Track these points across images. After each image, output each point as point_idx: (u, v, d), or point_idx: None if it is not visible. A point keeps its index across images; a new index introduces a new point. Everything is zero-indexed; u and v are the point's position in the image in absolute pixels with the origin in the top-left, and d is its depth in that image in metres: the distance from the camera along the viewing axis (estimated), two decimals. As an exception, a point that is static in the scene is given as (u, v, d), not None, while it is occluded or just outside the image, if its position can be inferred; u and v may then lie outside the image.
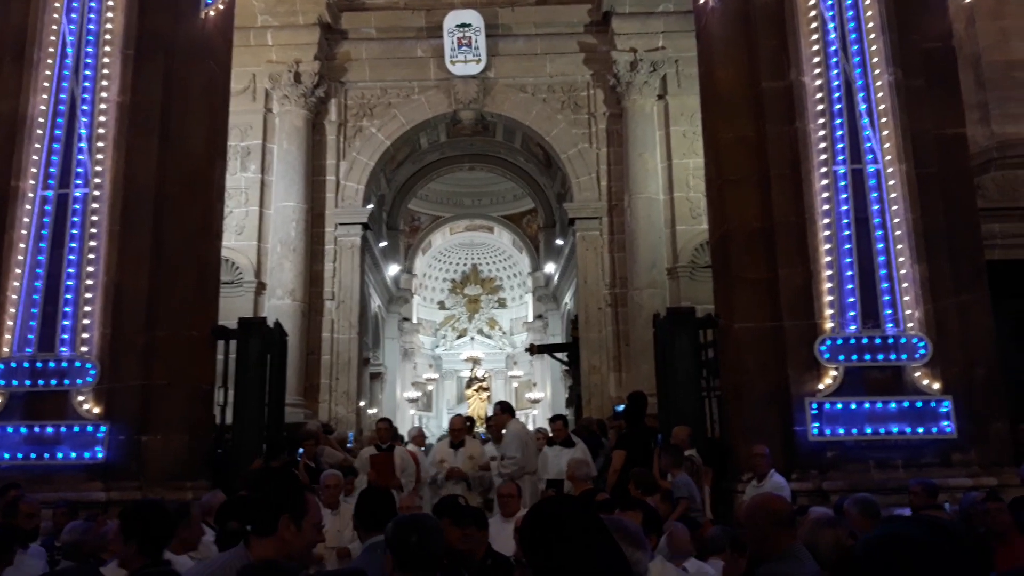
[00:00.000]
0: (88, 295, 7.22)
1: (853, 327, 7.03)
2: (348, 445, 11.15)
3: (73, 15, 7.67)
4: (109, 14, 7.69)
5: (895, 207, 7.19)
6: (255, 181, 13.77)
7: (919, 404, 6.89)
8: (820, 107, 7.42)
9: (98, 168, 7.42)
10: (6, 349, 7.09)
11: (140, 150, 7.58)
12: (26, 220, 7.28)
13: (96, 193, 7.38)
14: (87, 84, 7.56)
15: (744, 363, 7.45)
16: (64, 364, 7.08)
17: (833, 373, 7.01)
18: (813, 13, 7.56)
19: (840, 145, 7.31)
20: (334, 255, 14.10)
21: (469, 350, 30.74)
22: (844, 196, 7.22)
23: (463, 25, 14.21)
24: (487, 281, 32.54)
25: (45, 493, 6.53)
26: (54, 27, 7.63)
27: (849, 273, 7.09)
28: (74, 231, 7.29)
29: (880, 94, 7.38)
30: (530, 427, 15.20)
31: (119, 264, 7.35)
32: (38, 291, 7.17)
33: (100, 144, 7.47)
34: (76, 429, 6.98)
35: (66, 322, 7.14)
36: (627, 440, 7.99)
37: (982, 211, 7.91)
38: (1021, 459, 6.93)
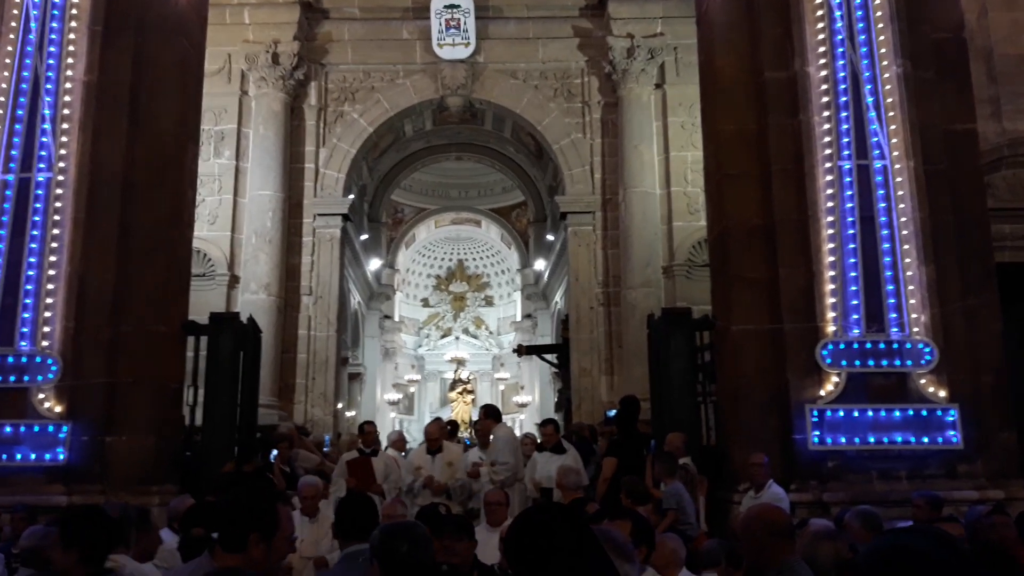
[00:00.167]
0: (50, 286, 7.16)
1: (856, 331, 7.06)
2: (324, 449, 11.13)
3: (37, -12, 7.61)
4: (76, -12, 7.64)
5: (902, 205, 7.22)
6: (229, 168, 13.69)
7: (924, 412, 6.94)
8: (825, 99, 7.44)
9: (62, 151, 7.37)
10: (-39, 343, 7.04)
11: (108, 133, 7.53)
12: (-15, 206, 7.22)
13: (60, 178, 7.32)
14: (52, 62, 7.50)
15: (742, 367, 7.47)
16: (24, 359, 7.02)
17: (835, 379, 7.04)
18: (819, 0, 7.59)
19: (845, 139, 7.34)
20: (312, 248, 14.05)
21: (454, 350, 30.72)
22: (849, 193, 7.25)
23: (451, 6, 14.17)
24: (473, 278, 32.51)
25: (2, 496, 6.49)
26: (16, 0, 7.57)
27: (853, 274, 7.12)
28: (36, 218, 7.23)
29: (888, 86, 7.41)
30: (517, 432, 15.19)
31: (84, 254, 7.30)
32: (-4, 281, 7.10)
33: (65, 126, 7.41)
34: (36, 429, 6.93)
35: (26, 315, 7.08)
36: (618, 447, 7.99)
37: (992, 211, 7.96)
38: (1029, 471, 7.00)
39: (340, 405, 16.65)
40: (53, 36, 7.55)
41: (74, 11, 7.60)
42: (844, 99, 7.41)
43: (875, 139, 7.33)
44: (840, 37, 7.51)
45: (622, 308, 13.45)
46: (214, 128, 13.58)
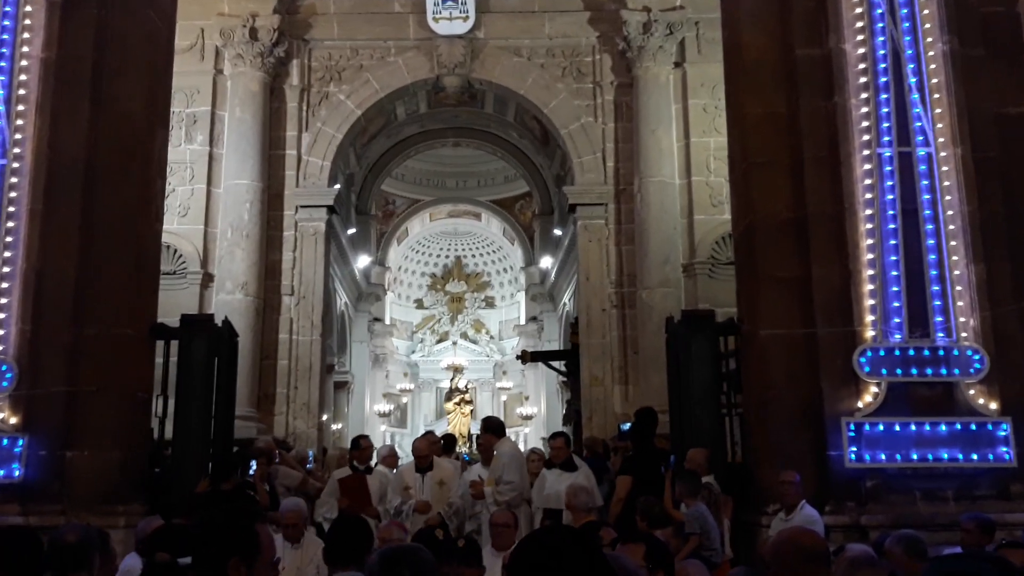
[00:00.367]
0: (4, 285, 7.18)
1: (898, 336, 7.05)
2: (308, 466, 11.14)
3: (-9, -44, 7.62)
4: (33, -45, 7.65)
5: (948, 197, 7.21)
6: (202, 154, 13.71)
7: (973, 427, 6.92)
8: (863, 79, 7.43)
9: (18, 136, 7.37)
10: (-93, 347, 7.05)
11: (68, 115, 7.53)
12: (-68, 196, 7.23)
13: (16, 165, 7.33)
14: (6, 37, 7.50)
15: (771, 376, 7.46)
16: (-25, 366, 7.03)
17: (874, 389, 7.03)
18: (857, -30, 7.59)
19: (885, 124, 7.32)
20: (294, 243, 14.06)
21: (451, 357, 30.75)
22: (890, 183, 7.23)
23: (449, -24, 14.21)
24: (473, 277, 32.56)
25: (-49, 517, 6.49)
26: (-32, -31, 7.59)
27: (894, 273, 7.11)
28: (-11, 209, 7.24)
29: (932, 65, 7.40)
30: (521, 447, 15.20)
31: (42, 249, 7.31)
32: (-55, 279, 7.12)
33: (20, 107, 7.42)
34: (-12, 442, 6.93)
35: (-22, 316, 7.09)
36: (634, 464, 7.99)
37: (1049, 203, 7.95)
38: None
39: (325, 417, 16.66)
40: (7, 8, 7.55)
41: (31, -20, 7.61)
42: (884, 79, 7.38)
43: (918, 124, 7.32)
44: (880, 11, 7.49)
45: (638, 310, 13.45)
46: (185, 111, 13.59)
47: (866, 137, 7.34)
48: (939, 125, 7.32)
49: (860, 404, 7.03)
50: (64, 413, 7.21)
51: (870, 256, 7.17)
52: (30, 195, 7.32)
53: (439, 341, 32.65)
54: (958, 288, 7.09)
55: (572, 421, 17.39)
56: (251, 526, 2.82)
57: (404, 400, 30.82)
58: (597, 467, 9.04)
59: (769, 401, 7.47)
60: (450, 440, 11.76)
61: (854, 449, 6.91)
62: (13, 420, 7.03)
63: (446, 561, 3.98)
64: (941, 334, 7.04)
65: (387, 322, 29.14)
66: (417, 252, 31.41)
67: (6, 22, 7.53)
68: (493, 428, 8.71)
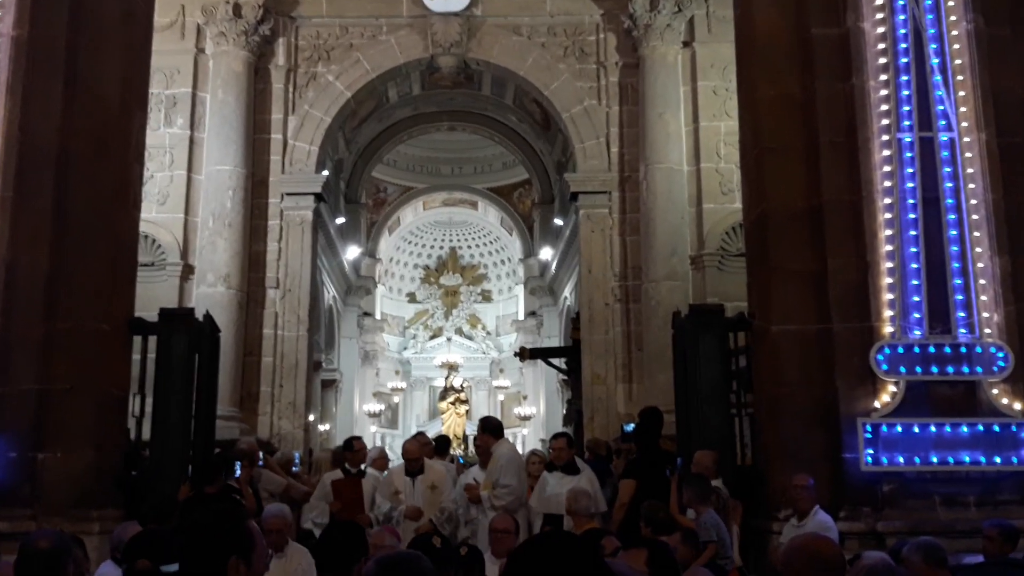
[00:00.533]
0: (-28, 277, 7.17)
1: (918, 332, 7.06)
2: (294, 469, 11.14)
3: (-43, -73, 7.60)
4: (3, -74, 7.63)
5: (972, 185, 7.22)
6: (182, 138, 13.69)
7: (997, 428, 6.92)
8: (882, 60, 7.43)
9: (-14, 119, 7.37)
10: None
11: (40, 97, 7.53)
12: None
13: (-16, 150, 7.32)
14: (-26, 14, 7.50)
15: (783, 374, 7.48)
16: (-59, 362, 7.04)
17: (892, 388, 7.04)
18: (877, -56, 7.58)
19: (906, 108, 7.32)
20: (279, 233, 14.06)
21: (445, 354, 30.79)
22: (910, 171, 7.24)
23: (444, -51, 14.19)
24: (468, 269, 32.58)
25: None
26: (-67, -59, 7.57)
27: (915, 266, 7.11)
28: (-44, 197, 7.24)
29: (956, 45, 7.40)
30: (520, 449, 15.23)
31: (12, 239, 7.30)
32: (-90, 271, 7.12)
33: (-11, 89, 7.41)
34: (-45, 443, 6.95)
35: (-56, 310, 7.10)
36: (638, 467, 8.01)
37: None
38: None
39: (312, 417, 16.68)
40: (-24, -17, 7.54)
41: (1, -46, 7.60)
42: (905, 60, 7.38)
43: (940, 107, 7.32)
44: (900, -13, 7.50)
45: (642, 304, 13.46)
46: (165, 92, 13.57)
47: (885, 121, 7.35)
48: (962, 109, 7.32)
49: (877, 404, 7.05)
50: (35, 412, 7.21)
51: (889, 248, 7.18)
52: (-1, 182, 7.33)
53: (433, 337, 32.69)
54: (981, 281, 7.10)
55: (573, 421, 17.43)
56: (243, 523, 2.84)
57: (395, 399, 30.85)
58: (599, 470, 9.05)
59: (781, 400, 7.49)
60: (444, 442, 11.77)
61: (870, 451, 6.93)
62: (-18, 420, 7.04)
63: (446, 570, 3.97)
64: (963, 330, 7.05)
65: (378, 317, 29.14)
66: (410, 243, 31.42)
67: (-26, -2, 7.53)
68: (491, 429, 8.69)
